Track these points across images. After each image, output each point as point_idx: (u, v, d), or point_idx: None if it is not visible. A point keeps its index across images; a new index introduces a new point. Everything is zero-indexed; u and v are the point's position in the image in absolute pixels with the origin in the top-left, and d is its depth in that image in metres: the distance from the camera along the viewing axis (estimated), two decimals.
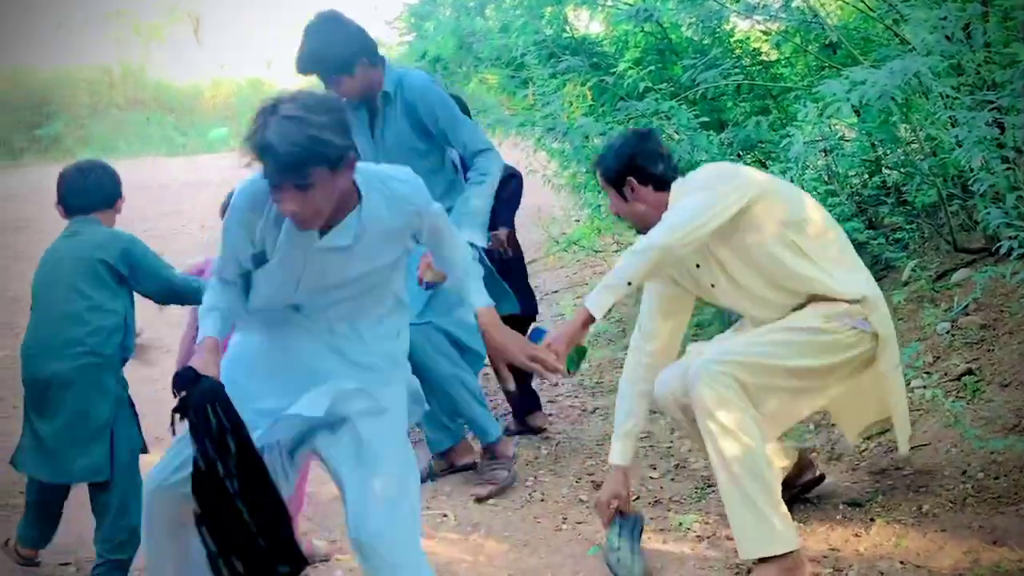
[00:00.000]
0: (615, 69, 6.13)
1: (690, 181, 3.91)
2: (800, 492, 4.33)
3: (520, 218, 9.70)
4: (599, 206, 6.20)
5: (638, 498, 4.61)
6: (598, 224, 6.45)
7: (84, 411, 3.92)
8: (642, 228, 3.90)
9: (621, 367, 6.06)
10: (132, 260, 4.06)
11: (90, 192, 4.19)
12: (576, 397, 5.95)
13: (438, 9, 6.85)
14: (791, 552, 3.54)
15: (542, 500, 4.72)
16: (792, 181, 4.69)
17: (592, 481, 4.84)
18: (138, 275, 4.08)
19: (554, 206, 8.03)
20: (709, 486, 4.67)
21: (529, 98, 6.41)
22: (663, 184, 3.89)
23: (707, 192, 3.73)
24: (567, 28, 6.68)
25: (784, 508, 3.62)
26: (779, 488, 3.73)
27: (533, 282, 7.94)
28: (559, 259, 7.91)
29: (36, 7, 21.78)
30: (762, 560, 3.58)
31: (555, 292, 7.68)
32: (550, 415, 5.74)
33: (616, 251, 7.03)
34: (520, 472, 5.02)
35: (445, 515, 4.62)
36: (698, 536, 4.17)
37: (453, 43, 6.51)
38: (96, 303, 4.00)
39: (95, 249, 4.03)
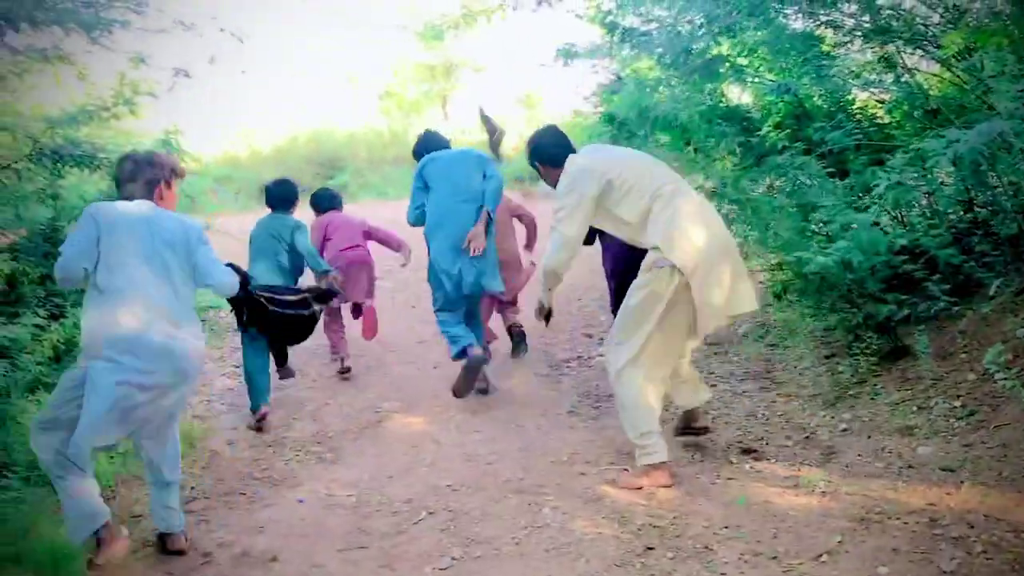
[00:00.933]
0: (759, 132, 6.23)
1: (566, 171, 4.70)
2: (691, 434, 5.03)
3: None
4: (747, 236, 6.29)
5: (776, 461, 4.73)
6: (747, 249, 6.50)
7: None
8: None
9: (765, 360, 6.20)
10: (296, 235, 6.23)
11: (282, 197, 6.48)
12: (728, 383, 6.03)
13: (624, 87, 7.07)
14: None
15: (701, 461, 4.81)
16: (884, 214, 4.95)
17: (740, 447, 4.96)
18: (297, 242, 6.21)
19: None
20: (832, 453, 4.75)
21: (691, 153, 6.56)
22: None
23: (574, 195, 4.59)
24: (722, 100, 6.78)
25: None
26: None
27: None
28: None
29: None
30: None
31: None
32: (709, 410, 5.86)
33: (761, 270, 7.09)
34: (682, 440, 5.18)
35: (626, 469, 4.81)
36: (822, 492, 4.25)
37: (635, 112, 6.69)
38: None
39: (283, 228, 6.25)
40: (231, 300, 5.06)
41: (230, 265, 4.49)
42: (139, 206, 3.96)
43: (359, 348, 7.31)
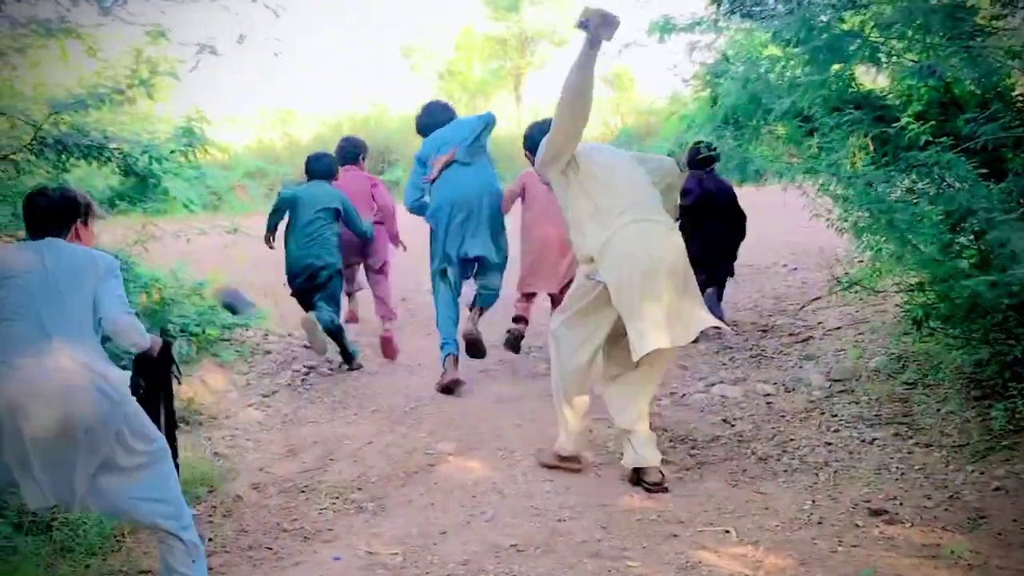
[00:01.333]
0: (897, 123, 6.10)
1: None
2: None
3: (805, 258, 9.68)
4: (880, 248, 6.18)
5: (912, 525, 4.64)
6: (880, 266, 6.40)
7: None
8: None
9: (900, 401, 6.09)
10: (345, 206, 7.89)
11: (323, 168, 8.19)
12: (855, 428, 5.93)
13: (731, 68, 6.99)
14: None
15: (819, 523, 4.74)
16: None
17: (868, 508, 4.87)
18: (348, 215, 7.92)
19: (837, 248, 7.95)
20: (981, 517, 4.64)
21: (814, 148, 6.45)
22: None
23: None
24: (852, 84, 6.66)
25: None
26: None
27: (815, 319, 7.96)
28: (841, 298, 7.87)
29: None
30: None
31: (838, 328, 7.64)
32: (828, 444, 5.77)
33: (897, 291, 6.96)
34: (796, 497, 5.10)
35: (727, 531, 4.76)
36: (968, 564, 4.14)
37: (745, 97, 6.62)
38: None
39: (330, 198, 7.93)
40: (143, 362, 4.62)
41: (164, 332, 4.56)
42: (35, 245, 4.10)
43: (405, 379, 7.35)
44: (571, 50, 30.98)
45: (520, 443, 6.07)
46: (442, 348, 7.26)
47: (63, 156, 6.29)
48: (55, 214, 4.18)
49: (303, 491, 5.60)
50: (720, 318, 7.05)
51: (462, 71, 31.20)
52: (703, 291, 6.62)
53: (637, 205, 5.44)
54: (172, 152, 6.69)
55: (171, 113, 7.97)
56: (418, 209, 7.51)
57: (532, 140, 6.53)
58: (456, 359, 7.24)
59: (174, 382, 4.67)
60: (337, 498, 5.50)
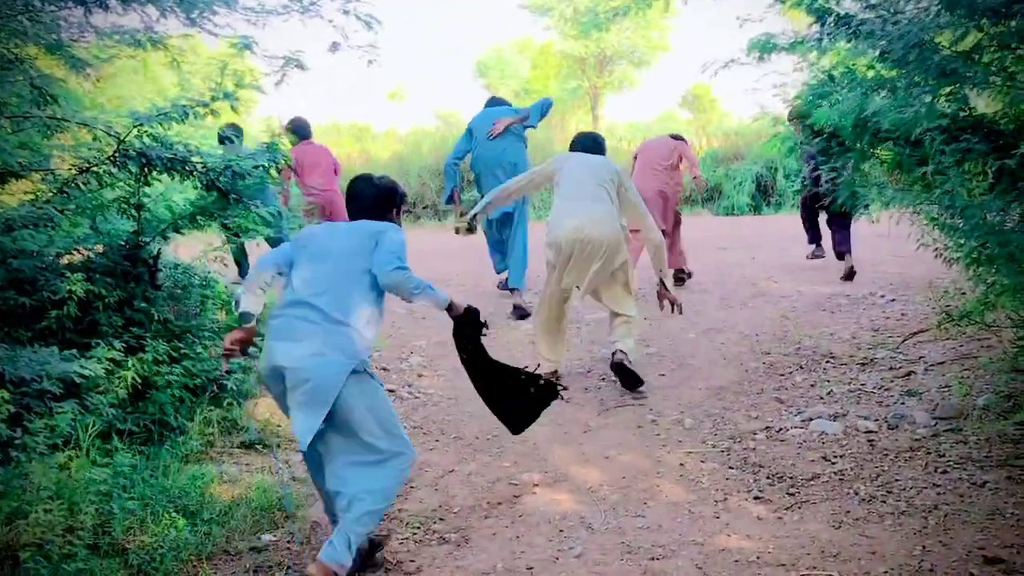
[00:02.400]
0: (1016, 149, 5.93)
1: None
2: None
3: (902, 289, 9.48)
4: (996, 283, 6.02)
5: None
6: (992, 299, 6.24)
7: None
8: None
9: (1012, 441, 5.91)
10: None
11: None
12: (964, 469, 5.76)
13: (836, 89, 6.86)
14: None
15: (931, 570, 4.58)
16: None
17: (983, 555, 4.70)
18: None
19: (944, 279, 7.84)
20: None
21: (925, 175, 6.31)
22: None
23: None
24: (965, 107, 6.52)
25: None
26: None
27: (916, 353, 7.77)
28: (946, 331, 7.71)
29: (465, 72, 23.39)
30: None
31: (941, 363, 7.46)
32: (936, 485, 5.61)
33: (1011, 326, 6.78)
34: (904, 542, 4.95)
35: None
36: None
37: (849, 120, 6.50)
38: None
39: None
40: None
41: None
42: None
43: (480, 402, 7.26)
44: (650, 71, 31.02)
45: (608, 476, 5.98)
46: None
47: (145, 169, 6.33)
48: (378, 201, 5.14)
49: (383, 519, 5.55)
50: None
51: (539, 89, 31.31)
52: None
53: (578, 199, 7.69)
54: (255, 168, 6.70)
55: (251, 125, 8.05)
56: (449, 168, 10.91)
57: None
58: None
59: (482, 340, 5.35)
60: (419, 528, 5.44)
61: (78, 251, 6.96)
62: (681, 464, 6.05)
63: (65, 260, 6.77)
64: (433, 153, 21.00)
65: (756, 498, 5.64)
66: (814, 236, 11.29)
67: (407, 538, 5.32)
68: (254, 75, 6.62)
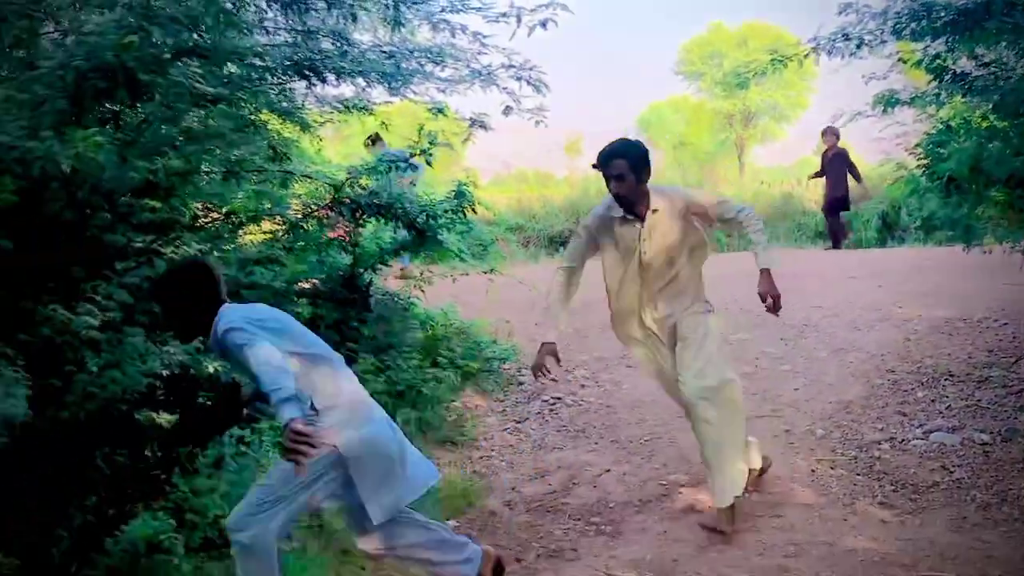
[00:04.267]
0: None
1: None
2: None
3: (1014, 314, 8.84)
4: None
5: None
6: None
7: None
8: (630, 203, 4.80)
9: None
10: None
11: None
12: None
13: (954, 137, 6.46)
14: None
15: None
16: None
17: None
18: None
19: None
20: None
21: None
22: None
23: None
24: None
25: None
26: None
27: None
28: None
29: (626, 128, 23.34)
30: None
31: None
32: None
33: None
34: (1019, 547, 4.51)
35: None
36: None
37: (967, 165, 6.09)
38: None
39: None
40: None
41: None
42: None
43: (642, 412, 7.04)
44: (791, 125, 30.20)
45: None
46: None
47: (357, 213, 6.38)
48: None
49: (549, 511, 5.40)
50: None
51: (693, 142, 30.83)
52: None
53: None
54: (446, 211, 6.67)
55: (454, 176, 8.05)
56: None
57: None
58: None
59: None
60: (579, 520, 5.27)
61: (306, 281, 7.06)
62: (812, 470, 5.70)
63: (297, 287, 6.85)
64: (599, 196, 20.80)
65: (881, 503, 5.25)
66: None
67: (569, 528, 5.15)
68: (446, 135, 6.60)
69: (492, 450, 6.50)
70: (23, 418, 3.88)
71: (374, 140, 10.40)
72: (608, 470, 6.02)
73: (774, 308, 4.75)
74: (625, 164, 4.65)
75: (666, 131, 31.41)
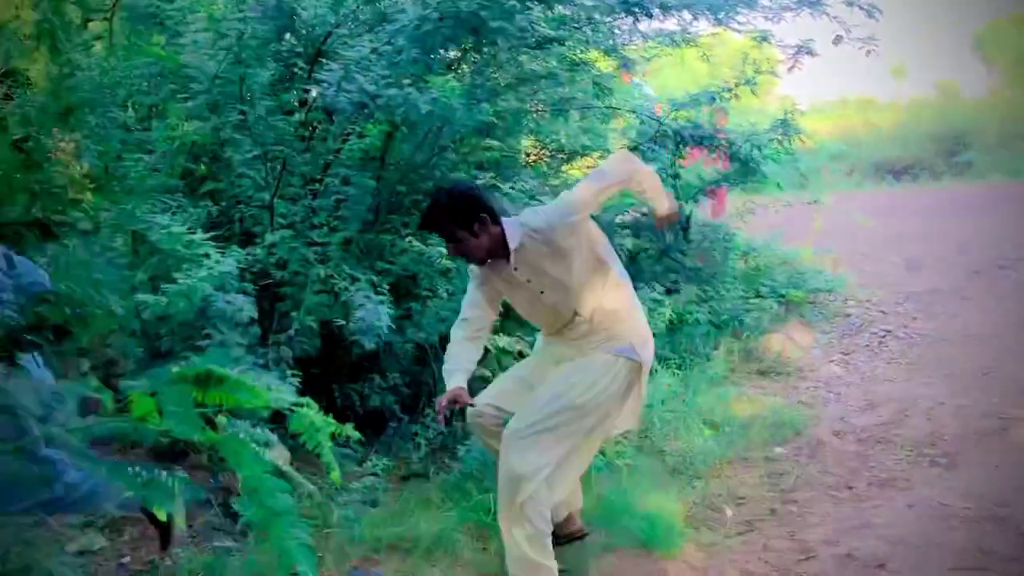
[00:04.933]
0: None
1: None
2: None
3: None
4: None
5: None
6: None
7: None
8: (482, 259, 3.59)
9: None
10: None
11: None
12: None
13: None
14: None
15: None
16: None
17: None
18: None
19: None
20: None
21: None
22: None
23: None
24: None
25: None
26: None
27: None
28: None
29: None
30: None
31: None
32: None
33: None
34: None
35: None
36: None
37: None
38: None
39: None
40: None
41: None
42: None
43: (979, 346, 6.77)
44: None
45: None
46: None
47: (679, 146, 6.53)
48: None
49: (879, 441, 5.37)
50: None
51: None
52: None
53: None
54: (770, 141, 6.68)
55: (768, 105, 8.00)
56: None
57: None
58: None
59: None
60: (911, 451, 5.21)
61: (627, 213, 7.32)
62: None
63: (618, 220, 7.13)
64: (933, 122, 19.57)
65: None
66: None
67: (900, 459, 5.11)
68: (770, 63, 6.58)
69: (819, 381, 6.52)
70: (385, 331, 4.44)
71: None
72: (942, 403, 5.87)
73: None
74: (448, 230, 3.54)
75: (1006, 48, 28.87)
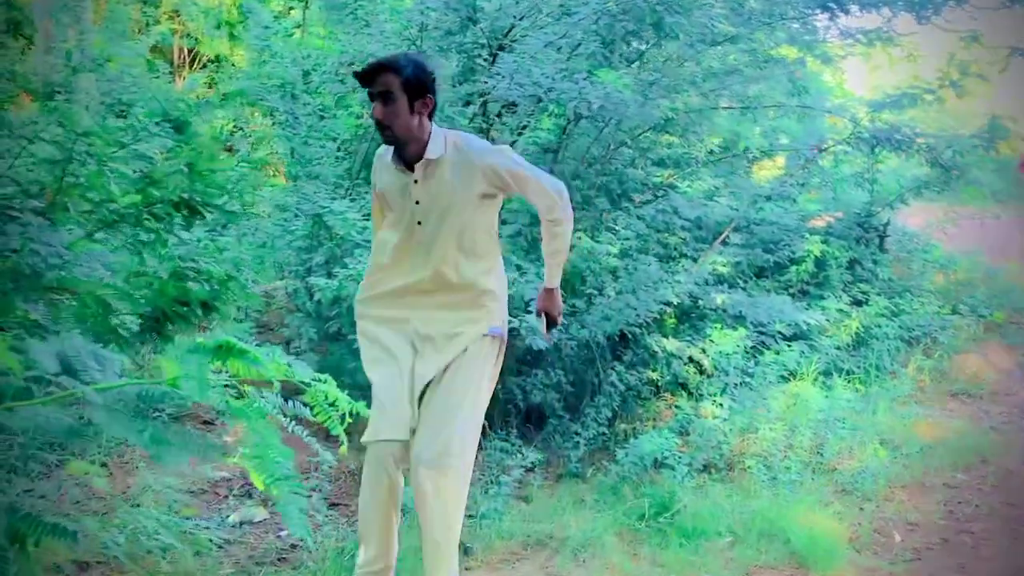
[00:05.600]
0: None
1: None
2: None
3: None
4: None
5: None
6: None
7: None
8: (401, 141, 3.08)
9: None
10: None
11: None
12: None
13: None
14: None
15: None
16: None
17: None
18: None
19: None
20: None
21: None
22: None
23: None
24: None
25: None
26: None
27: None
28: None
29: None
30: None
31: None
32: None
33: None
34: None
35: None
36: None
37: None
38: None
39: None
40: None
41: None
42: None
43: None
44: None
45: None
46: None
47: (875, 148, 6.30)
48: None
49: None
50: None
51: None
52: None
53: None
54: (974, 147, 6.34)
55: (980, 109, 7.61)
56: None
57: None
58: None
59: None
60: None
61: (821, 217, 7.11)
62: None
63: (809, 225, 6.93)
64: None
65: None
66: None
67: None
68: (980, 64, 6.25)
69: (1014, 407, 6.14)
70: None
71: None
72: None
73: (550, 326, 3.49)
74: (396, 80, 3.07)
75: None
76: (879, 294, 6.73)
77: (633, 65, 5.45)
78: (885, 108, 6.32)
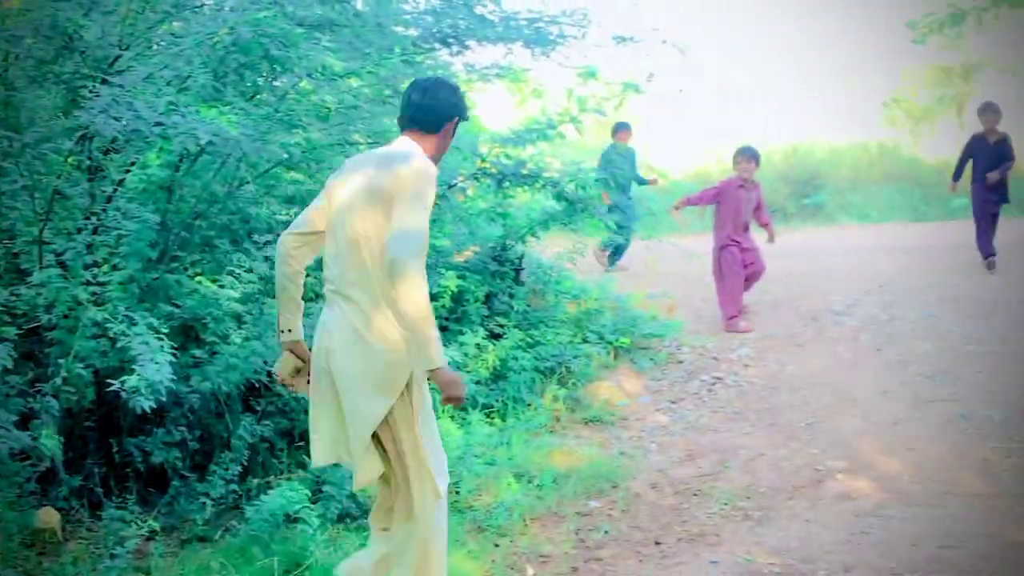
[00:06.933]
0: None
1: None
2: None
3: None
4: None
5: None
6: None
7: None
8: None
9: None
10: None
11: None
12: None
13: None
14: None
15: None
16: None
17: None
18: None
19: None
20: None
21: None
22: None
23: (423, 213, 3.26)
24: None
25: None
26: None
27: None
28: None
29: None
30: None
31: None
32: None
33: None
34: None
35: None
36: None
37: None
38: None
39: None
40: None
41: None
42: None
43: (806, 395, 6.98)
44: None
45: (911, 468, 5.57)
46: None
47: (502, 183, 6.57)
48: None
49: (696, 494, 5.47)
50: None
51: (907, 99, 29.42)
52: None
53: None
54: (596, 180, 6.78)
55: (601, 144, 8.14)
56: None
57: None
58: None
59: None
60: (726, 504, 5.30)
61: (459, 254, 7.31)
62: (984, 459, 5.56)
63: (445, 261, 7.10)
64: (786, 164, 20.23)
65: None
66: None
67: (714, 512, 5.20)
68: (597, 100, 6.68)
69: (643, 431, 6.58)
70: (167, 385, 4.23)
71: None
72: (763, 454, 6.00)
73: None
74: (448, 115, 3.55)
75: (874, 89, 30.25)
76: (516, 326, 7.03)
77: (252, 100, 5.37)
78: (509, 143, 6.62)
